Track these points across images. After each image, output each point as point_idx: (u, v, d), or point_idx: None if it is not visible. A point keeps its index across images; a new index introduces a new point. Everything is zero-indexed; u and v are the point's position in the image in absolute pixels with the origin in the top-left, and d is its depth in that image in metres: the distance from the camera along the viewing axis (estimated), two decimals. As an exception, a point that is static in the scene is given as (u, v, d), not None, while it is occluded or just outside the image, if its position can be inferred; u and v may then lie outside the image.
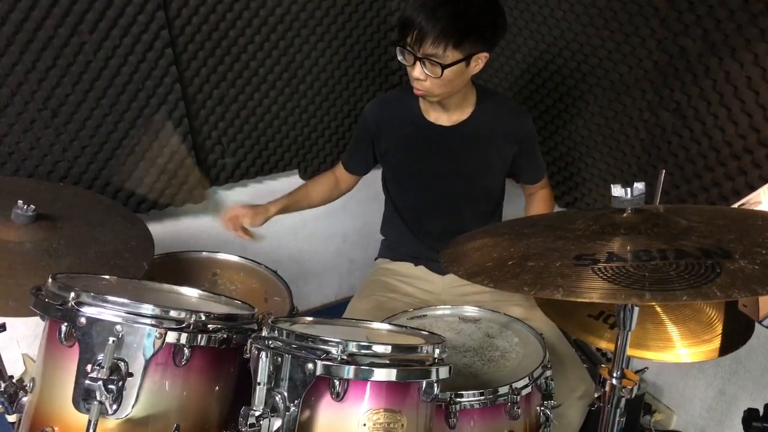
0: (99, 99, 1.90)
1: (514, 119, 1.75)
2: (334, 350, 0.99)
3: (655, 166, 1.83)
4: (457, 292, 1.85)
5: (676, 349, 1.29)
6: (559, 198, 2.24)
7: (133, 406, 1.04)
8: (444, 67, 1.50)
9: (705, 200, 1.69)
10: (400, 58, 1.56)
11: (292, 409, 1.00)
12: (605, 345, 1.33)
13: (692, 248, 0.92)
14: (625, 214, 1.05)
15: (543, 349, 1.43)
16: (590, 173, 2.11)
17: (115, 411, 1.02)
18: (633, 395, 1.10)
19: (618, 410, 1.12)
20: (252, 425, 0.99)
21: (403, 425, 1.03)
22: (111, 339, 1.01)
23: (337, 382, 0.99)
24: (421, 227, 1.90)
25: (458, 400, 1.25)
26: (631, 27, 1.80)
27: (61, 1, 1.74)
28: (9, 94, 1.77)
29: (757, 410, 1.16)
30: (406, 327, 1.29)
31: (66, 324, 1.03)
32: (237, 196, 2.37)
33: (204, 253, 1.83)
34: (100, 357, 1.01)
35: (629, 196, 1.04)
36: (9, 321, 1.33)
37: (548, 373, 1.38)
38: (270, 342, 1.05)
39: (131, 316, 1.04)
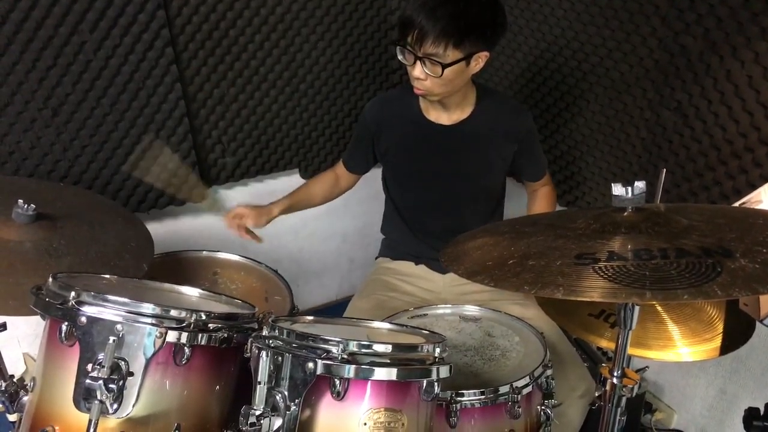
0: (100, 98, 1.90)
1: (514, 118, 1.75)
2: (334, 349, 0.99)
3: (655, 164, 1.82)
4: (458, 291, 1.85)
5: (676, 348, 1.28)
6: (559, 197, 2.24)
7: (133, 406, 1.04)
8: (444, 66, 1.49)
9: (706, 199, 1.69)
10: (400, 57, 1.56)
11: (293, 408, 1.00)
12: (606, 344, 1.33)
13: (693, 247, 0.92)
14: (625, 213, 1.05)
15: (544, 348, 1.43)
16: (591, 172, 2.10)
17: (116, 410, 1.02)
18: (634, 394, 1.10)
19: (619, 409, 1.12)
20: (252, 424, 0.99)
21: (403, 424, 1.03)
22: (111, 338, 1.01)
23: (337, 382, 0.99)
24: (422, 226, 1.90)
25: (459, 399, 1.24)
26: (631, 25, 1.80)
27: (62, 1, 1.74)
28: (9, 94, 1.77)
29: (757, 409, 1.16)
30: (406, 326, 1.29)
31: (66, 323, 1.03)
32: (237, 195, 2.37)
33: (204, 252, 1.83)
34: (101, 356, 1.01)
35: (630, 194, 1.04)
36: (10, 320, 1.33)
37: (549, 372, 1.38)
38: (270, 341, 1.06)
39: (132, 315, 1.04)
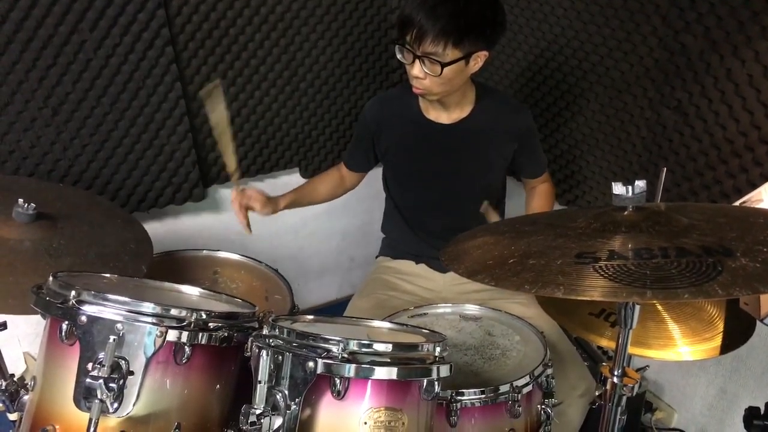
0: (100, 97, 1.90)
1: (514, 116, 1.75)
2: (334, 348, 0.99)
3: (656, 163, 1.82)
4: (458, 290, 1.85)
5: (677, 347, 1.28)
6: (559, 196, 2.24)
7: (134, 405, 1.04)
8: (443, 65, 1.49)
9: (706, 198, 1.69)
10: (399, 56, 1.56)
11: (293, 407, 1.00)
12: (606, 343, 1.33)
13: (694, 246, 0.92)
14: (626, 212, 1.05)
15: (544, 347, 1.43)
16: (591, 171, 2.10)
17: (116, 409, 1.02)
18: (634, 393, 1.10)
19: (619, 408, 1.12)
20: (253, 423, 1.00)
21: (404, 423, 1.03)
22: (112, 337, 1.01)
23: (337, 381, 0.99)
24: (422, 225, 1.90)
25: (459, 398, 1.24)
26: (632, 24, 1.80)
27: (62, 0, 1.74)
28: (9, 93, 1.77)
29: (758, 408, 1.16)
30: (406, 325, 1.29)
31: (67, 322, 1.03)
32: (238, 194, 2.36)
33: (204, 251, 1.83)
34: (101, 355, 1.01)
35: (630, 193, 1.04)
36: (10, 319, 1.33)
37: (549, 371, 1.38)
38: (271, 340, 1.06)
39: (132, 314, 1.04)
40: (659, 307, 1.35)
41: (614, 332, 1.24)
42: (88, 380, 0.98)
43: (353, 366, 0.98)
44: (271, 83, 2.21)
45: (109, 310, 1.03)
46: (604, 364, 1.13)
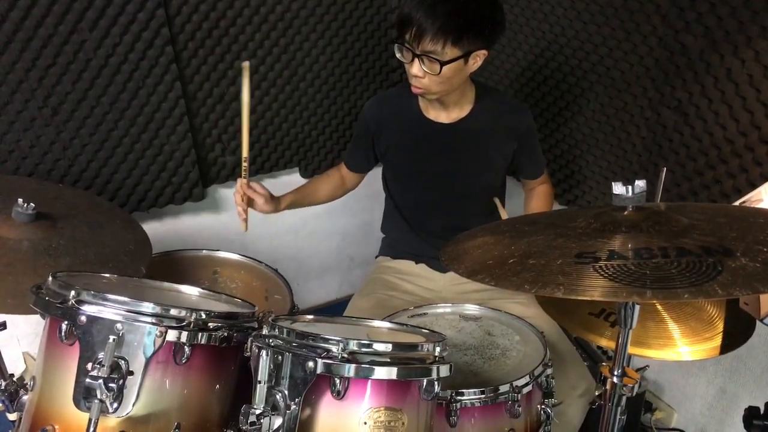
0: (99, 97, 1.90)
1: (514, 115, 1.75)
2: (334, 348, 0.99)
3: (656, 163, 1.82)
4: (458, 290, 1.85)
5: (677, 347, 1.28)
6: (559, 196, 2.24)
7: (133, 405, 1.04)
8: (443, 64, 1.49)
9: (706, 198, 1.69)
10: (398, 55, 1.56)
11: (293, 407, 1.00)
12: (606, 343, 1.33)
13: (694, 246, 0.92)
14: (626, 212, 1.05)
15: (544, 347, 1.43)
16: (591, 171, 2.10)
17: (116, 409, 1.02)
18: (634, 393, 1.10)
19: (619, 408, 1.12)
20: (253, 423, 0.99)
21: (403, 423, 1.03)
22: (111, 337, 1.01)
23: (337, 381, 0.99)
24: (422, 225, 1.90)
25: (459, 398, 1.24)
26: (632, 24, 1.79)
27: (61, -1, 1.74)
28: (9, 93, 1.77)
29: (758, 408, 1.16)
30: (406, 325, 1.29)
31: (66, 322, 1.03)
32: (237, 194, 2.36)
33: (204, 251, 1.83)
34: (101, 355, 1.01)
35: (630, 193, 1.04)
36: (10, 319, 1.33)
37: (549, 371, 1.38)
38: (270, 340, 1.06)
39: (132, 314, 1.04)
40: (659, 307, 1.35)
41: (614, 332, 1.24)
42: (87, 380, 0.98)
43: (353, 366, 0.98)
44: (271, 83, 2.21)
45: (108, 310, 1.03)
46: (603, 364, 1.13)
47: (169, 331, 1.04)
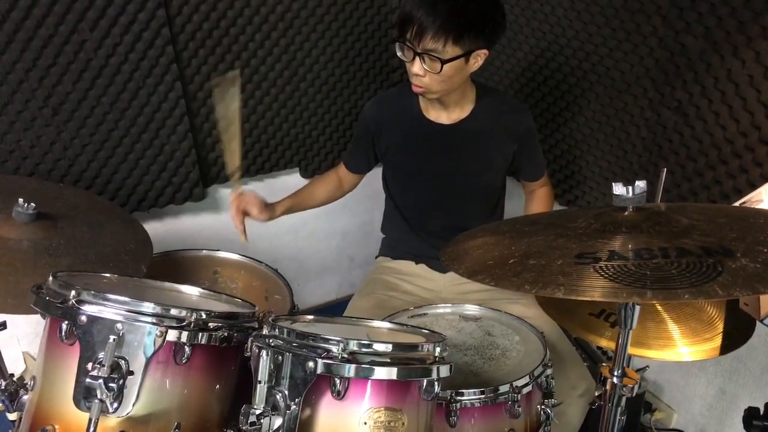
0: (100, 97, 1.90)
1: (514, 116, 1.75)
2: (334, 349, 0.99)
3: (656, 164, 1.82)
4: (458, 290, 1.85)
5: (676, 348, 1.28)
6: (559, 196, 2.24)
7: (133, 405, 1.04)
8: (443, 62, 1.49)
9: (706, 198, 1.69)
10: (399, 54, 1.56)
11: (293, 407, 1.00)
12: (606, 343, 1.33)
13: (694, 246, 0.92)
14: (626, 213, 1.05)
15: (543, 347, 1.43)
16: (591, 171, 2.10)
17: (116, 409, 1.02)
18: (633, 394, 1.10)
19: (619, 409, 1.12)
20: (253, 423, 0.99)
21: (403, 424, 1.03)
22: (112, 337, 1.01)
23: (337, 381, 0.99)
24: (422, 225, 1.90)
25: (459, 398, 1.24)
26: (632, 24, 1.79)
27: (62, -1, 1.74)
28: (10, 92, 1.77)
29: (757, 409, 1.16)
30: (406, 325, 1.29)
31: (67, 322, 1.03)
32: (238, 194, 2.36)
33: (204, 251, 1.83)
34: (101, 355, 1.01)
35: (630, 194, 1.04)
36: (10, 319, 1.33)
37: (549, 371, 1.38)
38: (271, 340, 1.06)
39: (132, 314, 1.04)
40: (659, 308, 1.35)
41: (614, 332, 1.24)
42: (87, 380, 0.98)
43: (353, 366, 0.98)
44: (272, 83, 2.21)
45: (109, 309, 1.03)
46: (603, 364, 1.13)
47: (170, 331, 1.04)
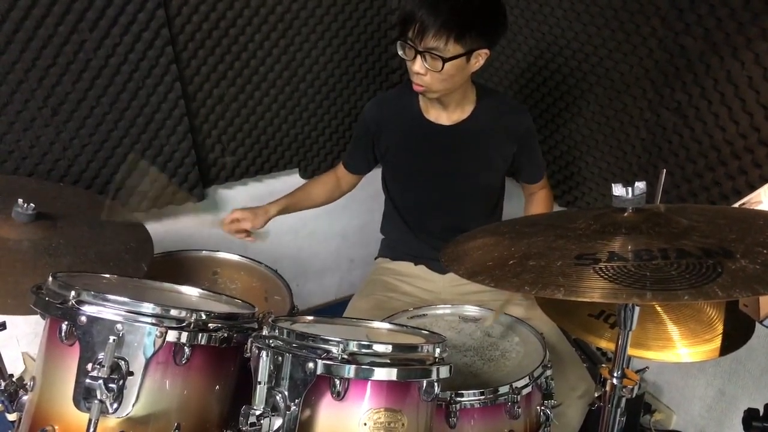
0: (99, 97, 1.90)
1: (514, 117, 1.75)
2: (334, 349, 0.99)
3: (655, 165, 1.83)
4: (457, 291, 1.85)
5: (676, 349, 1.28)
6: (559, 197, 2.24)
7: (133, 405, 1.04)
8: (445, 60, 1.49)
9: (706, 199, 1.69)
10: (400, 52, 1.56)
11: (293, 408, 1.00)
12: (605, 344, 1.33)
13: (693, 248, 0.92)
14: (626, 214, 1.05)
15: (543, 348, 1.43)
16: (590, 172, 2.10)
17: (116, 410, 1.02)
18: (633, 395, 1.10)
19: (618, 410, 1.12)
20: (252, 424, 0.99)
21: (403, 425, 1.03)
22: (111, 338, 1.01)
23: (337, 382, 0.99)
24: (421, 226, 1.90)
25: (458, 399, 1.24)
26: (631, 25, 1.80)
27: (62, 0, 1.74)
28: (9, 93, 1.77)
29: (757, 410, 1.16)
30: (406, 326, 1.29)
31: (66, 323, 1.03)
32: (237, 194, 2.36)
33: (204, 251, 1.83)
34: (101, 356, 1.01)
35: (630, 195, 1.04)
36: (9, 319, 1.33)
37: (548, 372, 1.38)
38: (270, 341, 1.06)
39: (132, 315, 1.04)
40: (658, 309, 1.35)
41: (614, 334, 1.24)
42: (87, 381, 0.98)
43: (353, 367, 0.98)
44: (271, 83, 2.21)
45: (108, 310, 1.03)
46: (603, 365, 1.13)
47: (169, 331, 1.04)
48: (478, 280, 1.01)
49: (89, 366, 1.01)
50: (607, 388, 1.10)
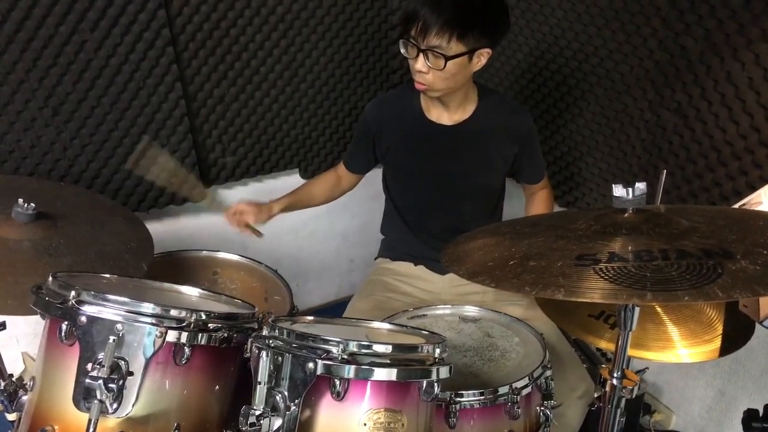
0: (100, 97, 1.90)
1: (515, 118, 1.75)
2: (334, 349, 0.99)
3: (656, 165, 1.83)
4: (457, 291, 1.85)
5: (676, 350, 1.28)
6: (559, 198, 2.24)
7: (133, 405, 1.04)
8: (447, 58, 1.49)
9: (706, 200, 1.69)
10: (403, 51, 1.56)
11: (293, 408, 1.00)
12: (605, 345, 1.33)
13: (694, 248, 0.92)
14: (626, 214, 1.05)
15: (543, 348, 1.43)
16: (591, 173, 2.10)
17: (116, 410, 1.02)
18: (633, 395, 1.10)
19: (618, 410, 1.12)
20: (252, 424, 0.99)
21: (403, 425, 1.03)
22: (111, 338, 1.01)
23: (337, 382, 0.99)
24: (422, 226, 1.90)
25: (458, 399, 1.24)
26: (632, 26, 1.80)
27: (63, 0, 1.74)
28: (10, 93, 1.77)
29: (756, 411, 1.16)
30: (406, 326, 1.29)
31: (66, 323, 1.03)
32: (237, 194, 2.37)
33: (204, 252, 1.83)
34: (101, 356, 1.01)
35: (630, 196, 1.04)
36: (9, 319, 1.33)
37: (548, 372, 1.38)
38: (270, 341, 1.05)
39: (132, 315, 1.04)
40: (658, 309, 1.35)
41: (614, 334, 1.24)
42: (87, 381, 0.98)
43: (353, 367, 0.98)
44: (272, 84, 2.21)
45: (108, 310, 1.03)
46: (603, 365, 1.13)
47: (169, 331, 1.04)
48: (478, 281, 1.01)
49: (89, 366, 1.01)
50: (607, 388, 1.10)
